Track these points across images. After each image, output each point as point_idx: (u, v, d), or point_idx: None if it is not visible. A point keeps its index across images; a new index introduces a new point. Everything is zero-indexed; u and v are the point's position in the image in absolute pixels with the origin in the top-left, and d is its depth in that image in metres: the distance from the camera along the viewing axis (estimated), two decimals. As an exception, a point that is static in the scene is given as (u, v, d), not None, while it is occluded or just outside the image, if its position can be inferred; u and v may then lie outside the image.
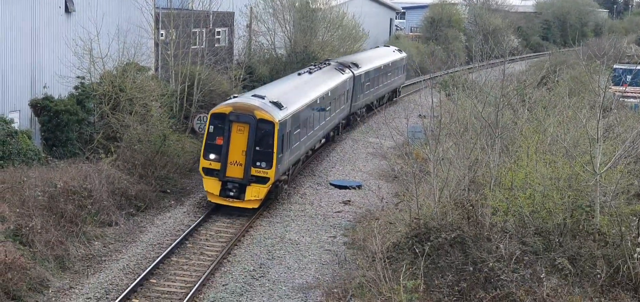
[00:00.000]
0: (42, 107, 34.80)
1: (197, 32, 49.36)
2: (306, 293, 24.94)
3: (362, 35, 68.93)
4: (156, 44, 45.01)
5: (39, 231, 25.66)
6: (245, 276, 26.00)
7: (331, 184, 38.58)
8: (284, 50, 61.57)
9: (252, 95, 34.50)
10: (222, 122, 32.16)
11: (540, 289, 20.46)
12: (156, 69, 45.00)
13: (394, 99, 63.87)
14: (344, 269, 26.73)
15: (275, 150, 31.79)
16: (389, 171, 40.30)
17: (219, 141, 32.04)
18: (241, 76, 49.73)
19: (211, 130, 32.25)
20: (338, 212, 33.99)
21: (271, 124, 31.97)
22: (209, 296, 24.20)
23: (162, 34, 45.40)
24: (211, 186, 32.12)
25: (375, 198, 34.48)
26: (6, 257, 23.08)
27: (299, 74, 43.40)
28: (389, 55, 62.95)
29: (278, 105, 33.58)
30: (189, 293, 23.98)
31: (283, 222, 31.95)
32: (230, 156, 31.93)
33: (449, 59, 68.59)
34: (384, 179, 39.82)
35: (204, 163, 32.29)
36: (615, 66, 51.81)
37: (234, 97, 35.05)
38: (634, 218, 23.11)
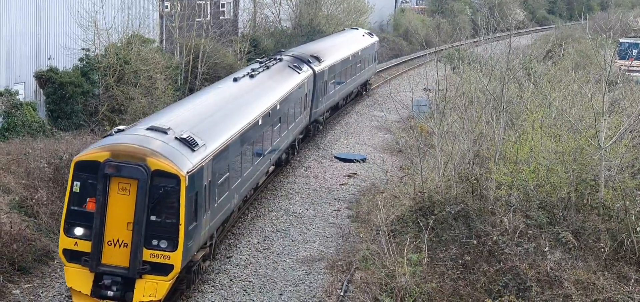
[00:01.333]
0: (47, 79, 34.84)
1: (202, 4, 49.25)
2: (310, 265, 25.03)
3: (367, 9, 68.69)
4: (161, 16, 44.94)
5: (45, 202, 25.74)
6: (250, 249, 26.08)
7: (336, 157, 38.59)
8: (289, 23, 61.45)
9: (149, 128, 21.56)
10: (94, 177, 19.87)
11: (543, 262, 20.50)
12: (161, 42, 44.97)
13: (363, 93, 53.15)
14: (348, 242, 26.80)
15: (182, 220, 19.87)
16: (393, 144, 40.31)
17: (90, 206, 19.91)
18: (246, 49, 49.71)
19: (76, 189, 20.04)
20: (342, 185, 34.03)
21: (175, 178, 19.88)
22: (214, 267, 24.29)
23: (166, 6, 45.30)
24: (77, 279, 19.92)
25: (379, 171, 34.51)
26: (11, 228, 23.18)
27: (236, 80, 30.38)
28: (357, 41, 51.14)
29: (189, 143, 21.41)
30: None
31: (287, 195, 32.00)
32: (108, 231, 19.81)
33: (455, 32, 68.41)
34: (388, 152, 39.83)
35: (64, 242, 20.04)
36: (621, 40, 51.67)
37: (118, 131, 22.15)
38: (639, 192, 23.12)
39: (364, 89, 52.84)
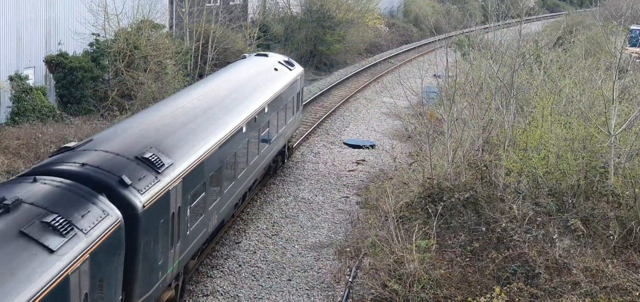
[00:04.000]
0: (56, 64, 34.93)
1: (212, -10, 49.24)
2: (319, 251, 25.06)
3: (377, -5, 68.46)
4: (171, 2, 44.94)
5: (54, 187, 25.78)
6: (259, 234, 26.13)
7: (345, 143, 38.58)
8: (299, 9, 61.35)
9: None
10: None
11: (552, 249, 20.48)
12: (171, 27, 44.99)
13: (279, 165, 32.85)
14: (356, 228, 26.82)
15: None
16: (402, 130, 40.28)
17: None
18: (255, 35, 49.72)
19: None
20: (351, 171, 34.02)
21: None
22: (222, 253, 24.35)
23: (176, -9, 45.32)
24: None
25: (388, 158, 34.49)
26: (22, 212, 22.91)
27: None
28: (264, 83, 29.13)
29: None
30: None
31: (296, 181, 32.02)
32: None
33: (465, 18, 68.20)
34: (397, 139, 39.80)
35: None
36: (632, 27, 51.47)
37: None
38: (648, 180, 23.03)
39: (282, 159, 32.87)
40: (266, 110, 27.49)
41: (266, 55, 33.94)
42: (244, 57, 34.32)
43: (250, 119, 25.34)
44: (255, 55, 34.25)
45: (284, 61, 33.46)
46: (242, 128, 24.35)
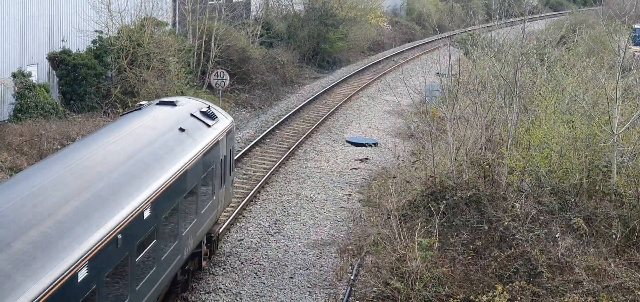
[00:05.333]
0: (60, 61, 34.96)
1: (215, -12, 49.25)
2: (321, 249, 25.05)
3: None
4: (174, -1, 44.98)
5: (57, 184, 25.79)
6: (261, 232, 26.13)
7: (347, 141, 38.58)
8: (302, 7, 61.32)
9: None
10: None
11: (555, 248, 20.45)
12: (174, 24, 45.01)
13: (190, 274, 21.33)
14: (359, 226, 26.81)
15: None
16: (405, 129, 40.26)
17: None
18: (258, 32, 49.72)
19: None
20: (354, 169, 34.01)
21: None
22: (225, 250, 24.36)
23: (179, -12, 45.31)
24: None
25: (391, 156, 34.48)
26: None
27: None
28: (159, 157, 17.43)
29: None
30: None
31: (298, 179, 32.01)
32: None
33: (468, 16, 68.14)
34: (400, 137, 39.78)
35: None
36: (635, 26, 51.38)
37: None
38: (651, 179, 23.00)
39: (198, 262, 21.84)
40: (149, 214, 15.71)
41: (173, 105, 21.43)
42: (139, 109, 21.49)
43: (112, 237, 13.74)
44: (156, 105, 21.65)
45: (201, 112, 21.70)
46: (93, 263, 12.91)
